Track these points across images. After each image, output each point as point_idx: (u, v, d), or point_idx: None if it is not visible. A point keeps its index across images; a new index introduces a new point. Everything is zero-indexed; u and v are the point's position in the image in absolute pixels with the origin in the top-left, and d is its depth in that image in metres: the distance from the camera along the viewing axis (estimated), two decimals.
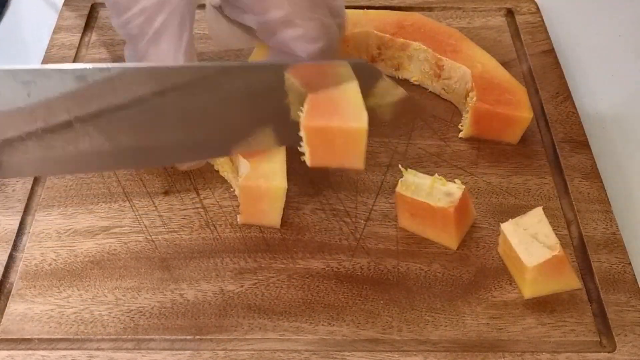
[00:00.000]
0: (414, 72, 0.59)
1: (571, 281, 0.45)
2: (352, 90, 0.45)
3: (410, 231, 0.49)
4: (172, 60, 0.45)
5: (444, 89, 0.58)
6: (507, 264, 0.47)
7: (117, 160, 0.45)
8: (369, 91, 0.45)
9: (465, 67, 0.55)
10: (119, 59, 0.60)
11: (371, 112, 0.44)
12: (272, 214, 0.48)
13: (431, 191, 0.47)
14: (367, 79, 0.46)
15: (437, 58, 0.56)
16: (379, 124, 0.46)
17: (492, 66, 0.56)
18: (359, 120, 0.43)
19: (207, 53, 0.60)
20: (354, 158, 0.45)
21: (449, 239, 0.48)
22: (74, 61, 0.60)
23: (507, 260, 0.47)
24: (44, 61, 0.60)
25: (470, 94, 0.54)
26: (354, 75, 0.45)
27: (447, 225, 0.47)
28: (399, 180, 0.48)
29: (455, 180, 0.47)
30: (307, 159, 0.45)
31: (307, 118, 0.44)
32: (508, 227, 0.46)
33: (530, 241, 0.45)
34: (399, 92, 0.48)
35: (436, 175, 0.47)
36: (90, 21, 0.64)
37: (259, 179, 0.46)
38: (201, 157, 0.49)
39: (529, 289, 0.45)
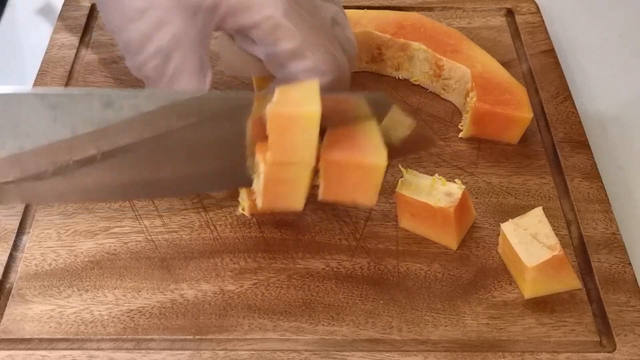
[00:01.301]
0: (414, 72, 0.59)
1: (571, 281, 0.45)
2: (370, 126, 0.44)
3: (411, 231, 0.49)
4: None
5: (444, 89, 0.58)
6: (507, 264, 0.47)
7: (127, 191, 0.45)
8: (383, 123, 0.45)
9: (465, 67, 0.55)
10: (119, 59, 0.60)
11: (387, 145, 0.43)
12: (305, 147, 0.42)
13: (431, 191, 0.47)
14: (382, 111, 0.45)
15: (437, 58, 0.56)
16: (393, 155, 0.45)
17: (492, 66, 0.56)
18: (378, 156, 0.43)
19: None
20: (368, 194, 0.45)
21: (449, 239, 0.48)
22: (74, 61, 0.60)
23: (507, 260, 0.47)
24: (44, 61, 0.60)
25: (470, 94, 0.54)
26: (370, 111, 0.44)
27: (448, 225, 0.47)
28: (399, 180, 0.48)
29: (456, 180, 0.47)
30: (320, 193, 0.45)
31: (325, 151, 0.43)
32: (508, 227, 0.46)
33: (530, 241, 0.45)
34: (411, 123, 0.47)
35: (436, 175, 0.47)
36: (90, 21, 0.64)
37: (290, 105, 0.41)
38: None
39: (529, 289, 0.45)
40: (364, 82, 0.59)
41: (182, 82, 0.43)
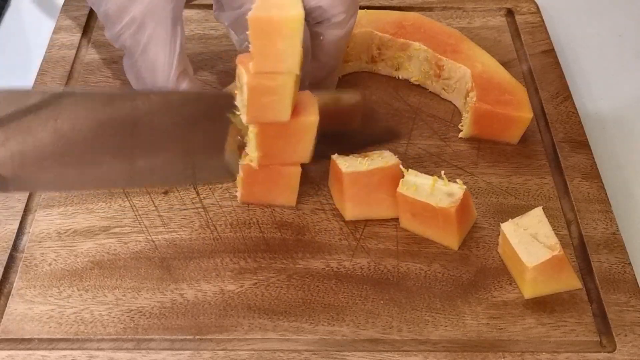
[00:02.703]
0: (414, 72, 0.59)
1: (571, 281, 0.46)
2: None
3: (411, 231, 0.49)
4: (166, 67, 0.46)
5: (444, 89, 0.58)
6: (507, 264, 0.47)
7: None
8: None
9: (465, 67, 0.55)
10: (119, 59, 0.60)
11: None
12: (289, 54, 0.41)
13: (432, 191, 0.47)
14: None
15: (437, 58, 0.56)
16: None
17: (492, 66, 0.56)
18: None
19: (206, 53, 0.60)
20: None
21: (451, 240, 0.48)
22: (74, 61, 0.60)
23: (507, 260, 0.47)
24: (44, 61, 0.60)
25: (470, 94, 0.54)
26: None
27: (449, 225, 0.47)
28: (400, 180, 0.48)
29: (457, 180, 0.47)
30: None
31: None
32: (508, 227, 0.46)
33: (530, 241, 0.45)
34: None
35: (442, 173, 0.47)
36: (90, 21, 0.63)
37: (272, 9, 0.40)
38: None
39: (529, 289, 0.45)
40: (364, 82, 0.59)
41: (156, 51, 0.46)
